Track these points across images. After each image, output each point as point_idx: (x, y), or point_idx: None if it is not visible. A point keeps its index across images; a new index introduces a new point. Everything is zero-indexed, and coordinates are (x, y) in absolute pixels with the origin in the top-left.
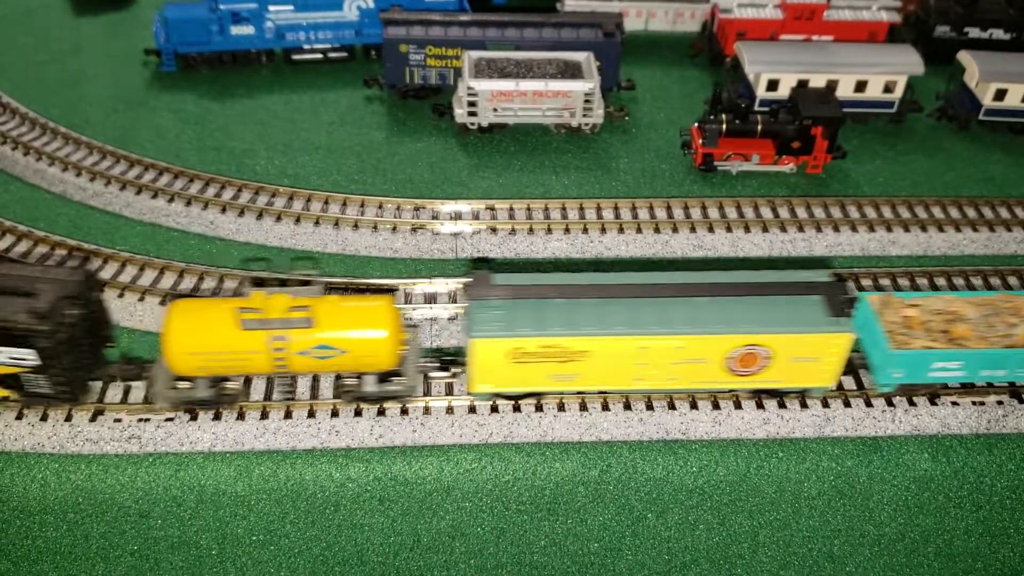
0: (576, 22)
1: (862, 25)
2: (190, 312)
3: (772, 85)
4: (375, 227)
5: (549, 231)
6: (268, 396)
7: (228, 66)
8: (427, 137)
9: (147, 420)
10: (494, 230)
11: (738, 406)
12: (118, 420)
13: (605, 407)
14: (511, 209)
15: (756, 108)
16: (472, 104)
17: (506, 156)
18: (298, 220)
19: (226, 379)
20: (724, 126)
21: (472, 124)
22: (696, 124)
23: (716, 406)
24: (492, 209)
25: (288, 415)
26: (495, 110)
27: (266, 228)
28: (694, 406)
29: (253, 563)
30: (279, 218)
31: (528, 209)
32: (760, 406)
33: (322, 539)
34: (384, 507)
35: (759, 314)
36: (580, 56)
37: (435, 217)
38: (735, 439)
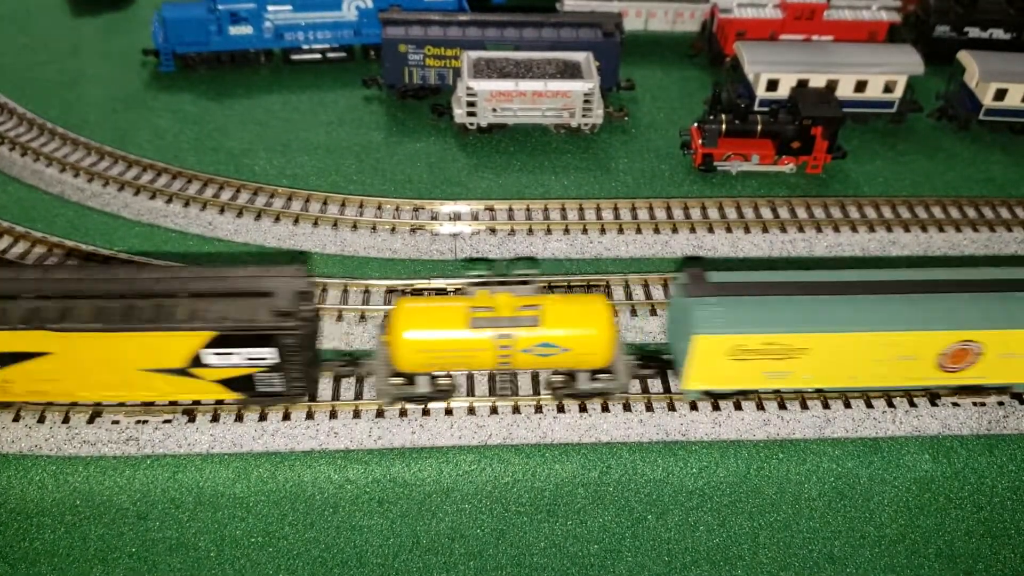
0: (575, 22)
1: (862, 25)
2: (419, 310)
3: (772, 85)
4: (374, 228)
5: (548, 232)
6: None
7: (227, 66)
8: (426, 137)
9: (145, 422)
10: (493, 231)
11: (738, 407)
12: (116, 422)
13: (605, 408)
14: (510, 210)
15: (756, 108)
16: (471, 104)
17: (505, 156)
18: (296, 221)
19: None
20: (724, 126)
21: (471, 124)
22: (696, 124)
23: (716, 407)
24: (491, 210)
25: (286, 416)
26: (494, 110)
27: (264, 229)
28: (694, 407)
29: (252, 565)
30: (277, 219)
31: (527, 210)
32: (760, 407)
33: (321, 541)
34: (383, 509)
35: (975, 310)
36: (579, 56)
37: (434, 218)
38: (735, 440)
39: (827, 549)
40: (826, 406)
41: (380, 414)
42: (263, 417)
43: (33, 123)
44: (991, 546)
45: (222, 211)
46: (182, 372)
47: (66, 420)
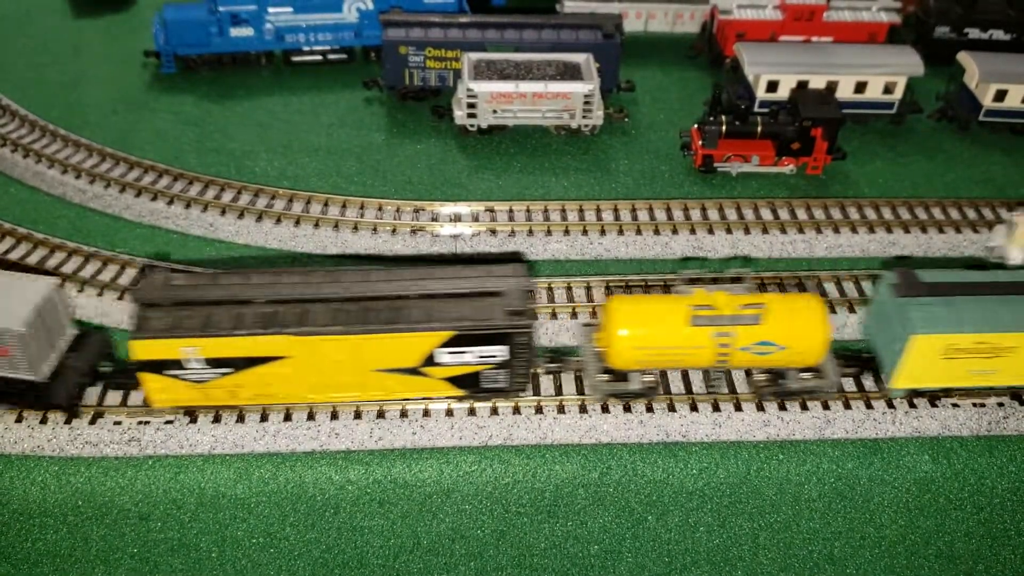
0: (575, 23)
1: (862, 26)
2: (636, 308)
3: (772, 86)
4: (375, 229)
5: (549, 233)
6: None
7: (228, 68)
8: (426, 139)
9: (147, 423)
10: (494, 232)
11: (738, 408)
12: (118, 423)
13: (605, 409)
14: (511, 211)
15: (756, 109)
16: (471, 106)
17: (505, 158)
18: (298, 222)
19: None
20: (724, 127)
21: (471, 126)
22: (696, 125)
23: (716, 408)
24: (492, 211)
25: (288, 417)
26: (494, 112)
27: (266, 230)
28: (694, 408)
29: (253, 566)
30: (279, 220)
31: (528, 211)
32: (760, 408)
33: (322, 542)
34: (384, 510)
35: None
36: (579, 57)
37: (435, 219)
38: (735, 441)
39: (827, 550)
40: (826, 407)
41: (381, 415)
42: (264, 418)
43: (35, 124)
44: (991, 547)
45: (223, 213)
46: (413, 371)
47: (68, 421)
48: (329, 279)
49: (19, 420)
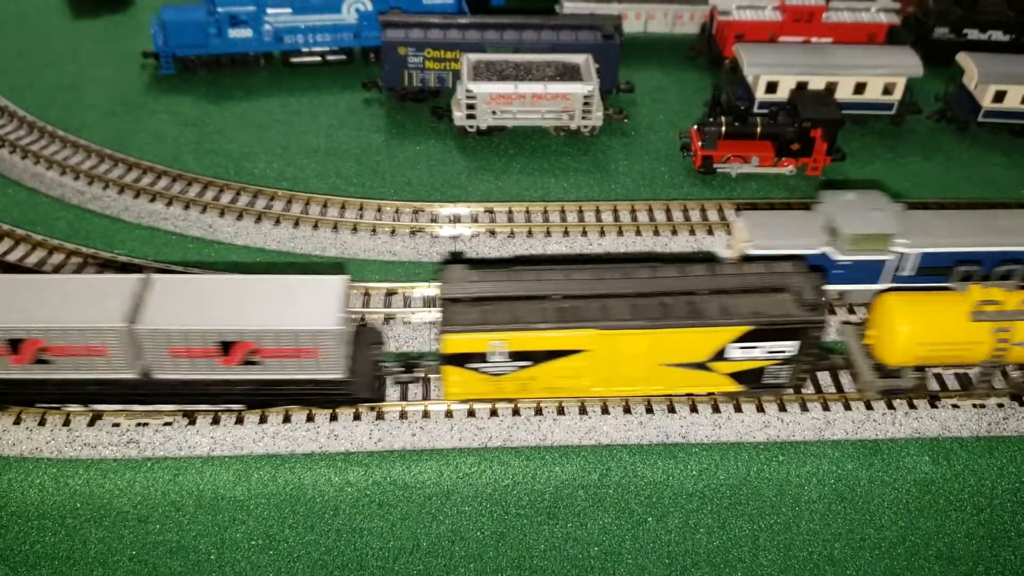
0: (575, 24)
1: (861, 27)
2: (916, 305)
3: (771, 87)
4: (374, 230)
5: (548, 234)
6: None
7: (226, 69)
8: (426, 140)
9: (145, 424)
10: (493, 233)
11: (738, 409)
12: (116, 425)
13: (605, 411)
14: (510, 212)
15: (755, 110)
16: (471, 107)
17: (505, 159)
18: (297, 223)
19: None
20: (723, 128)
21: (471, 127)
22: (695, 126)
23: (716, 409)
24: (491, 212)
25: (287, 419)
26: (494, 113)
27: (264, 231)
28: (694, 409)
29: (252, 568)
30: (278, 221)
31: (527, 212)
32: (760, 409)
33: (321, 544)
34: (383, 511)
35: None
36: (579, 58)
37: (434, 220)
38: (735, 442)
39: (827, 551)
40: (826, 408)
41: (380, 416)
42: (264, 420)
43: (33, 126)
44: (991, 548)
45: (222, 214)
46: (700, 366)
47: (67, 423)
48: (620, 275)
49: (17, 422)
